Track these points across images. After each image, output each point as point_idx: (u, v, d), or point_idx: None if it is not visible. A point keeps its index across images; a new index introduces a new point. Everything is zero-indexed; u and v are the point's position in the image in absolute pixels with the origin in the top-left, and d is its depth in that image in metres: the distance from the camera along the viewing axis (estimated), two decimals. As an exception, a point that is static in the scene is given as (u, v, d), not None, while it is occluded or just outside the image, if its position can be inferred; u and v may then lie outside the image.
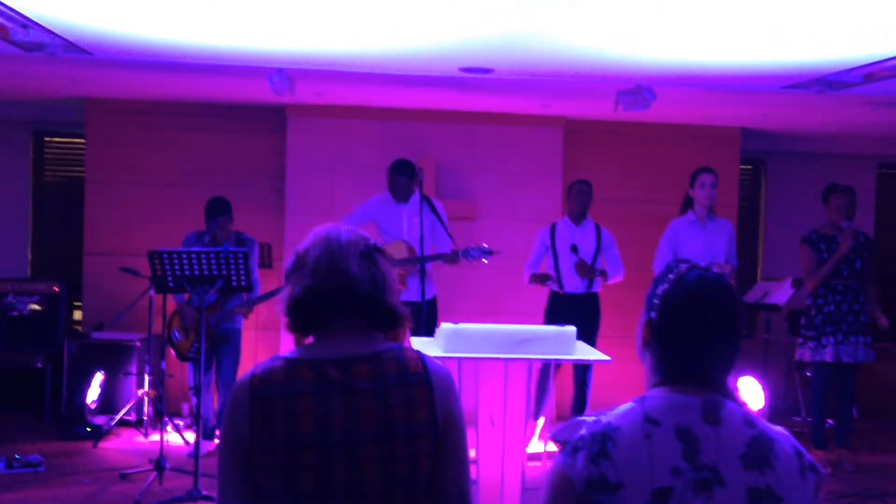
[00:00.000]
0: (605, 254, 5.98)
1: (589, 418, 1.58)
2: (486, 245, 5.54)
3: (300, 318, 1.70)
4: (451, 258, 5.57)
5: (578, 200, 5.98)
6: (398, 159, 5.87)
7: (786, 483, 1.50)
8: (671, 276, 1.61)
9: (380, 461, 1.60)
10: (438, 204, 5.92)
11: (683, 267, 1.62)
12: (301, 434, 1.59)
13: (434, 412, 1.64)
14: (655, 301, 1.61)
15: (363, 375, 1.64)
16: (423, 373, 1.67)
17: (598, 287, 5.94)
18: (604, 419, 1.55)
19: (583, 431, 1.54)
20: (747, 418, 1.54)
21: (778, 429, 1.57)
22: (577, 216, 5.99)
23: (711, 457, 1.49)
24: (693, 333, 1.56)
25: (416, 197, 5.73)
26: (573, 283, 5.85)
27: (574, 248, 5.79)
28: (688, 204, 5.75)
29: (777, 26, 3.96)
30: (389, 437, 1.61)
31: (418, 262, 5.57)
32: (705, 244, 5.63)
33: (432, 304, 5.86)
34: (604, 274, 5.88)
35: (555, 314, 5.83)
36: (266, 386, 1.62)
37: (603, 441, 1.50)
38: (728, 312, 1.57)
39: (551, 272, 5.92)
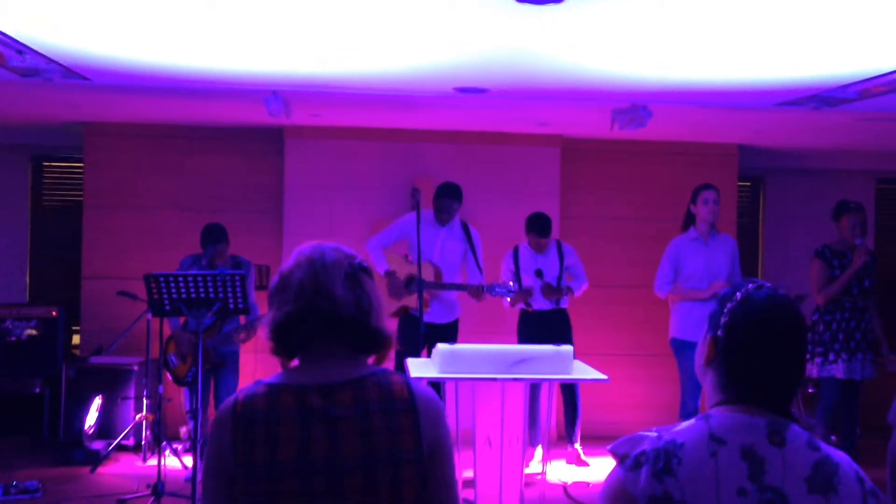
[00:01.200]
0: (571, 269, 6.03)
1: (651, 433, 1.56)
2: (511, 283, 5.57)
3: (284, 342, 1.68)
4: (476, 293, 5.56)
5: (536, 231, 5.91)
6: (446, 182, 5.87)
7: None
8: (739, 294, 1.61)
9: (361, 489, 1.57)
10: (475, 232, 5.94)
11: (752, 286, 1.62)
12: (282, 461, 1.57)
13: (419, 439, 1.61)
14: (723, 319, 1.60)
15: (345, 402, 1.61)
16: (408, 399, 1.64)
17: (565, 303, 6.01)
18: (667, 435, 1.53)
19: (645, 446, 1.53)
20: (811, 442, 1.54)
21: (841, 453, 1.56)
22: (536, 246, 5.97)
23: (777, 479, 1.48)
24: (760, 353, 1.56)
25: (455, 222, 5.78)
26: (541, 302, 5.93)
27: (539, 273, 5.87)
28: (689, 220, 5.69)
29: (771, 43, 3.97)
30: (371, 464, 1.58)
31: (448, 289, 5.63)
32: (707, 261, 5.60)
33: (454, 326, 5.91)
34: (569, 290, 5.96)
35: (526, 331, 5.95)
36: (248, 412, 1.61)
37: (668, 458, 1.49)
38: (794, 333, 1.57)
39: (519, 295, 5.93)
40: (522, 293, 5.79)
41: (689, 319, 5.53)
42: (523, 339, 5.97)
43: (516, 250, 6.08)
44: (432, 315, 5.65)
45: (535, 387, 5.35)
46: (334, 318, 1.65)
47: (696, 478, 1.46)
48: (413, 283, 5.58)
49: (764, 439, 1.51)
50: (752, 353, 1.56)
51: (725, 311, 1.60)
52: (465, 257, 5.84)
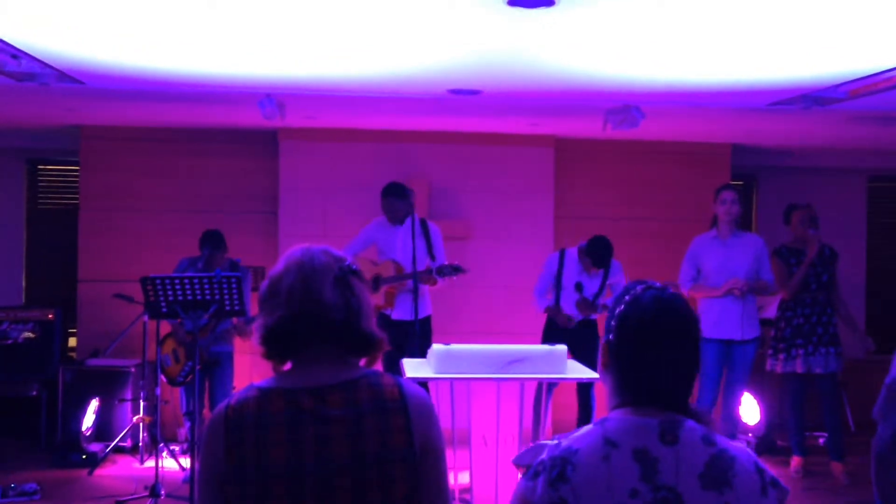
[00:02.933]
0: (613, 287, 5.87)
1: (550, 441, 1.58)
2: (456, 263, 5.61)
3: (275, 346, 1.69)
4: (425, 277, 5.60)
5: (594, 255, 5.73)
6: (389, 182, 5.94)
7: (746, 501, 1.50)
8: (627, 297, 1.62)
9: (351, 490, 1.59)
10: (433, 226, 5.96)
11: (640, 288, 1.63)
12: (272, 464, 1.59)
13: (411, 439, 1.63)
14: (612, 323, 1.62)
15: (336, 404, 1.63)
16: (399, 399, 1.66)
17: (596, 315, 5.89)
18: (564, 442, 1.55)
19: (543, 455, 1.55)
20: (707, 437, 1.54)
21: (738, 445, 1.58)
22: (588, 266, 5.79)
23: (670, 477, 1.49)
24: (649, 354, 1.57)
25: (411, 218, 5.79)
26: (571, 312, 5.81)
27: (579, 287, 5.71)
28: (714, 220, 5.85)
29: (761, 44, 4.01)
30: (361, 464, 1.60)
31: (400, 280, 5.64)
32: (723, 259, 5.69)
33: (425, 323, 5.89)
34: (605, 308, 5.76)
35: (552, 335, 5.82)
36: (239, 416, 1.63)
37: (562, 465, 1.51)
38: (683, 331, 1.58)
39: (552, 300, 5.86)
40: (556, 309, 5.72)
41: (706, 317, 5.62)
42: (547, 341, 5.74)
43: (563, 253, 5.91)
44: (400, 312, 5.67)
45: (540, 386, 5.35)
46: (324, 322, 1.67)
47: (589, 483, 1.48)
48: (377, 283, 5.67)
49: (656, 439, 1.52)
50: (641, 355, 1.58)
51: (616, 314, 1.62)
52: (429, 254, 5.85)
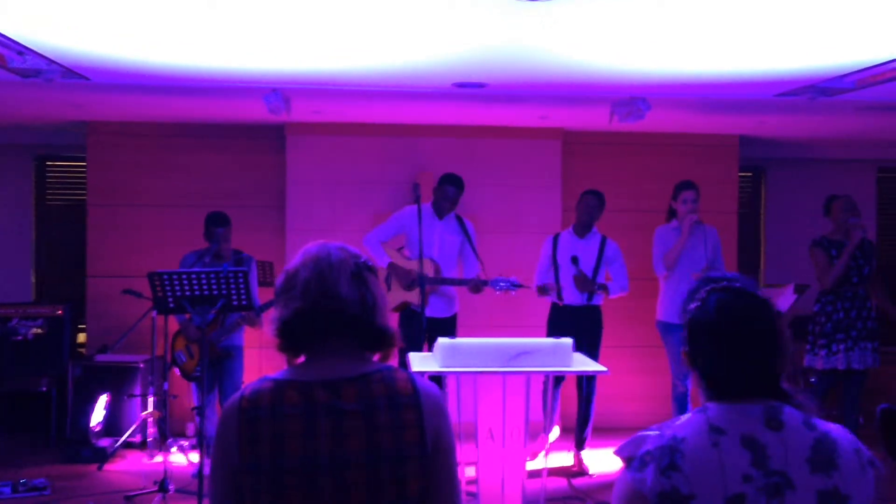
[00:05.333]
0: (610, 267, 5.86)
1: (652, 432, 1.60)
2: (514, 278, 5.45)
3: (290, 339, 1.70)
4: (476, 287, 5.55)
5: (583, 212, 5.87)
6: (450, 172, 5.86)
7: (850, 481, 1.54)
8: (692, 305, 1.65)
9: (365, 483, 1.60)
10: (469, 224, 5.91)
11: (703, 292, 1.65)
12: (287, 456, 1.59)
13: (423, 434, 1.64)
14: (685, 333, 1.65)
15: (351, 397, 1.64)
16: (412, 394, 1.66)
17: (598, 300, 5.84)
18: (668, 431, 1.57)
19: (648, 446, 1.57)
20: (807, 421, 1.58)
21: (836, 427, 1.60)
22: (582, 228, 5.88)
23: (780, 462, 1.52)
24: (727, 357, 1.60)
25: (451, 215, 5.79)
26: (572, 296, 5.77)
27: (575, 260, 5.69)
28: (671, 214, 5.93)
29: (768, 34, 3.98)
30: (375, 459, 1.60)
31: (448, 284, 5.65)
32: (684, 251, 5.77)
33: (453, 321, 5.90)
34: (604, 288, 5.75)
35: (555, 326, 5.79)
36: (254, 407, 1.63)
37: (671, 453, 1.53)
38: (756, 325, 1.60)
39: (552, 283, 5.88)
40: (547, 287, 5.70)
41: (674, 302, 5.65)
42: (551, 334, 5.75)
43: (557, 236, 5.96)
44: (432, 310, 5.65)
45: (547, 379, 5.35)
46: (340, 317, 1.67)
47: (700, 470, 1.50)
48: (415, 280, 5.59)
49: (761, 426, 1.54)
50: (720, 360, 1.61)
51: (686, 322, 1.65)
52: (461, 250, 5.83)
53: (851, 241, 5.61)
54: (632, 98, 5.42)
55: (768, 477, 1.50)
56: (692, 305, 1.64)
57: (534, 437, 5.66)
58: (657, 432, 1.59)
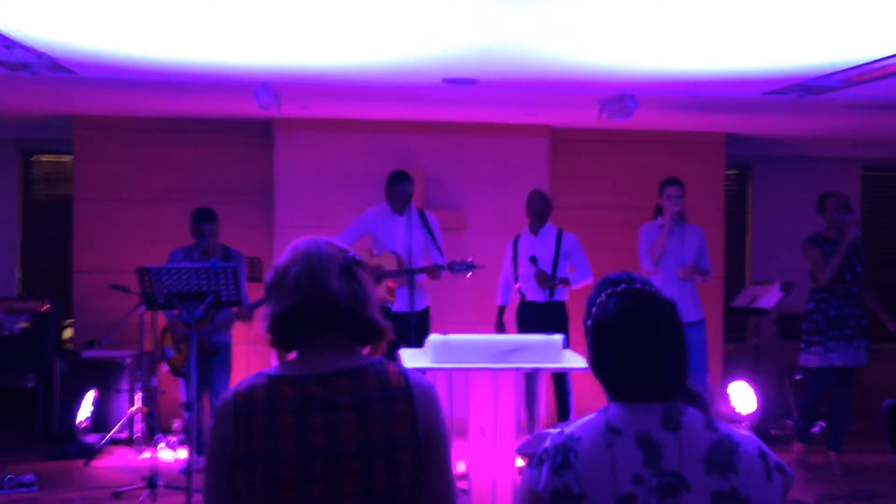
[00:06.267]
0: (570, 259, 5.99)
1: (554, 430, 1.61)
2: (470, 259, 5.60)
3: (282, 335, 1.72)
4: (433, 272, 5.65)
5: (529, 210, 6.04)
6: (398, 170, 5.93)
7: (750, 485, 1.51)
8: (594, 309, 1.64)
9: (358, 475, 1.61)
10: (432, 217, 5.97)
11: (604, 295, 1.63)
12: (281, 450, 1.61)
13: (416, 426, 1.65)
14: (588, 336, 1.65)
15: (344, 391, 1.65)
16: (404, 387, 1.68)
17: (562, 295, 5.94)
18: (567, 430, 1.57)
19: (547, 444, 1.57)
20: (709, 423, 1.56)
21: (742, 432, 1.59)
22: (535, 226, 6.03)
23: (674, 462, 1.51)
24: (626, 359, 1.59)
25: (412, 208, 5.80)
26: (535, 293, 5.91)
27: (533, 260, 5.84)
28: (658, 211, 5.97)
29: (756, 32, 4.01)
30: (368, 451, 1.62)
31: (406, 274, 5.62)
32: (669, 249, 5.81)
33: (424, 314, 5.90)
34: (565, 282, 5.90)
35: (522, 322, 5.96)
36: (248, 403, 1.64)
37: (566, 452, 1.53)
38: (655, 327, 1.58)
39: (515, 285, 6.01)
40: (541, 276, 5.80)
41: None
42: (519, 331, 5.97)
43: (516, 238, 6.08)
44: (402, 304, 5.68)
45: (531, 376, 5.39)
46: (331, 311, 1.69)
47: (592, 469, 1.50)
48: (379, 276, 5.66)
49: (658, 426, 1.53)
50: (618, 361, 1.60)
51: (588, 325, 1.64)
52: (426, 244, 5.87)
53: (846, 239, 5.62)
54: (621, 95, 5.45)
55: (661, 477, 1.49)
56: (593, 310, 1.63)
57: (523, 434, 5.68)
58: (559, 430, 1.59)
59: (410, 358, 4.12)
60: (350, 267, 1.73)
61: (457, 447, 4.44)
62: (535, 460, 1.57)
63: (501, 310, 6.06)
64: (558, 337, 3.96)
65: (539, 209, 6.01)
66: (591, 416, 1.59)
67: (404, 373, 1.71)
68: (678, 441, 1.52)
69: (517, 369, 3.92)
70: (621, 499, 1.48)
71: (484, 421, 3.98)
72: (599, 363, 1.63)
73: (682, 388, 1.59)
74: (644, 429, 1.53)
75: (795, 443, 5.91)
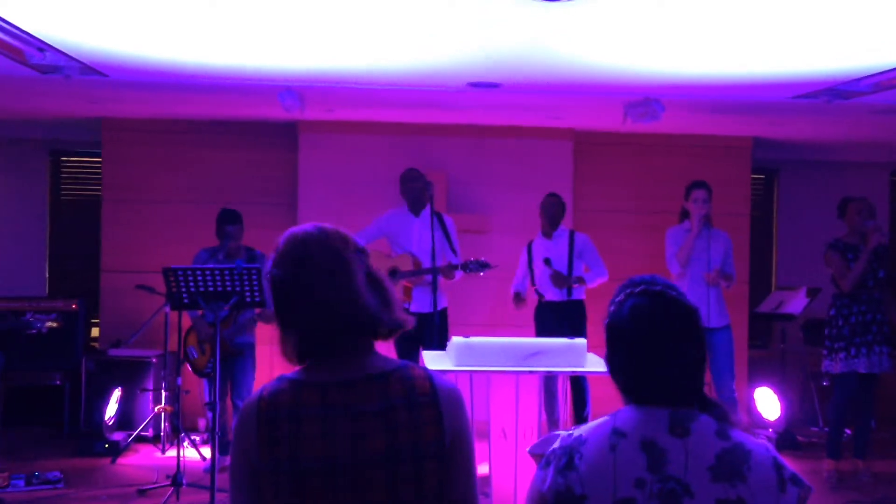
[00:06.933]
0: (584, 259, 6.07)
1: (563, 432, 1.60)
2: (483, 259, 5.65)
3: (312, 349, 1.67)
4: (447, 272, 5.68)
5: (544, 214, 6.13)
6: (408, 168, 6.03)
7: (760, 495, 1.49)
8: (611, 308, 1.64)
9: (385, 483, 1.59)
10: (448, 219, 6.01)
11: (620, 297, 1.63)
12: (307, 458, 1.59)
13: (442, 432, 1.63)
14: (606, 336, 1.65)
15: (369, 397, 1.62)
16: (430, 393, 1.65)
17: (579, 294, 6.05)
18: (576, 432, 1.58)
19: (555, 445, 1.58)
20: (721, 431, 1.54)
21: (758, 441, 1.56)
22: (548, 229, 6.12)
23: (679, 469, 1.49)
24: (637, 362, 1.58)
25: (427, 211, 5.81)
26: (552, 293, 6.00)
27: (547, 262, 5.95)
28: (684, 215, 5.93)
29: (784, 36, 3.98)
30: (394, 458, 1.60)
31: (424, 274, 5.65)
32: (695, 253, 5.77)
33: (443, 315, 5.92)
34: (581, 280, 6.00)
35: (541, 323, 6.03)
36: (272, 408, 1.62)
37: (571, 454, 1.53)
38: (669, 330, 1.57)
39: (524, 291, 6.08)
40: (519, 294, 5.92)
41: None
42: (538, 331, 6.04)
43: (530, 244, 6.19)
44: (419, 305, 5.70)
45: (550, 379, 5.39)
46: (357, 317, 1.66)
47: (595, 471, 1.49)
48: (395, 275, 5.67)
49: (664, 431, 1.52)
50: (632, 363, 1.59)
51: (606, 325, 1.64)
52: (442, 245, 5.88)
53: (869, 245, 5.53)
54: (646, 99, 5.42)
55: (663, 482, 1.47)
56: (610, 309, 1.63)
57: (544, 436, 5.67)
58: (569, 433, 1.59)
59: (432, 360, 4.13)
60: (372, 273, 1.69)
61: (478, 449, 4.44)
62: (543, 461, 1.58)
63: (517, 294, 6.09)
64: (581, 341, 3.96)
65: (555, 213, 6.09)
66: (603, 419, 1.59)
67: (430, 377, 1.68)
68: (685, 447, 1.51)
69: (540, 373, 3.91)
70: (621, 502, 1.48)
71: (506, 423, 3.98)
72: (613, 364, 1.63)
73: (696, 395, 1.57)
74: (650, 434, 1.52)
75: (825, 459, 5.74)
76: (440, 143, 6.94)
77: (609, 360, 1.64)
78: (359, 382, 1.64)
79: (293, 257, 1.69)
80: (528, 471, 3.99)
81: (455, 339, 3.95)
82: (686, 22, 3.76)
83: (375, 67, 4.79)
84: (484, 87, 5.24)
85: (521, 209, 6.97)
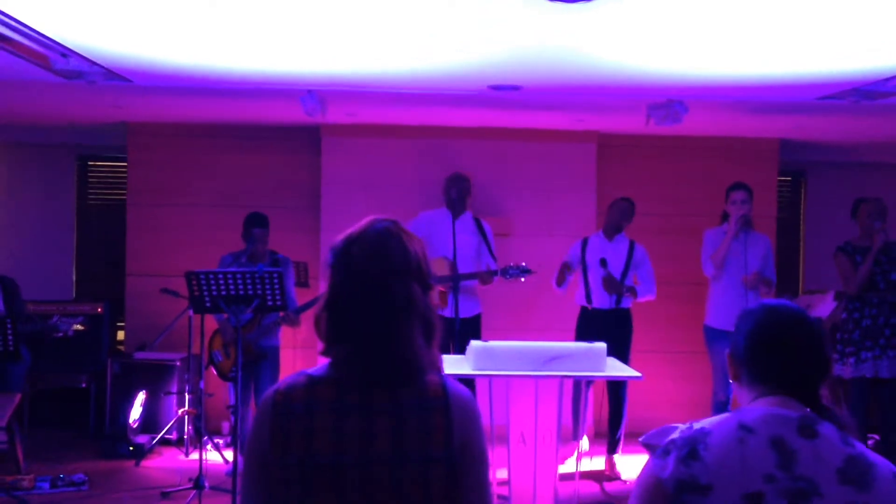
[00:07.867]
0: (638, 271, 5.89)
1: (682, 425, 1.63)
2: (524, 264, 5.57)
3: (339, 333, 1.69)
4: (485, 277, 5.62)
5: (615, 216, 5.94)
6: (456, 172, 5.96)
7: None
8: (748, 317, 1.70)
9: (391, 483, 1.60)
10: (486, 224, 5.98)
11: (761, 305, 1.70)
12: (316, 453, 1.60)
13: (450, 440, 1.62)
14: (739, 340, 1.69)
15: (381, 398, 1.63)
16: (441, 398, 1.64)
17: (627, 303, 5.86)
18: (696, 425, 1.60)
19: (674, 435, 1.59)
20: (845, 438, 1.58)
21: (877, 455, 1.60)
22: (611, 231, 5.95)
23: (808, 469, 1.52)
24: (778, 369, 1.64)
25: (467, 214, 5.80)
26: (601, 299, 5.81)
27: (603, 262, 5.73)
28: (724, 216, 5.81)
29: (810, 36, 3.93)
30: (402, 459, 1.60)
31: (456, 280, 5.61)
32: (734, 254, 5.64)
33: (476, 321, 5.88)
34: (632, 291, 5.80)
35: (584, 329, 5.83)
36: (287, 402, 1.63)
37: (694, 444, 1.55)
38: (804, 343, 1.64)
39: (581, 285, 5.91)
40: (609, 280, 5.71)
41: (720, 308, 5.58)
42: (580, 337, 5.83)
43: (586, 241, 5.99)
44: (452, 310, 5.66)
45: (578, 383, 5.34)
46: (397, 352, 1.66)
47: (722, 462, 1.51)
48: (440, 280, 5.63)
49: (793, 432, 1.54)
50: (770, 371, 1.64)
51: (742, 329, 1.70)
52: (478, 250, 5.85)
53: (873, 247, 5.47)
54: (669, 101, 5.37)
55: (794, 481, 1.49)
56: (745, 317, 1.71)
57: (564, 441, 5.63)
58: (686, 425, 1.62)
59: (452, 364, 4.11)
60: (428, 315, 1.70)
61: (497, 454, 4.43)
62: (659, 451, 1.59)
63: (567, 263, 5.86)
64: (601, 345, 3.92)
65: (622, 218, 5.93)
66: (725, 415, 1.62)
67: (444, 382, 1.67)
68: (814, 449, 1.54)
69: (559, 377, 3.88)
70: (749, 495, 1.49)
71: (525, 428, 3.95)
72: (748, 372, 1.67)
73: (819, 401, 1.63)
74: (778, 433, 1.55)
75: None
76: (463, 147, 6.93)
77: (743, 367, 1.68)
78: (375, 381, 1.64)
79: (371, 252, 1.72)
80: (547, 475, 3.96)
81: (474, 343, 3.94)
82: (709, 22, 3.72)
83: (396, 71, 4.79)
84: (505, 90, 5.22)
85: (545, 212, 6.94)
